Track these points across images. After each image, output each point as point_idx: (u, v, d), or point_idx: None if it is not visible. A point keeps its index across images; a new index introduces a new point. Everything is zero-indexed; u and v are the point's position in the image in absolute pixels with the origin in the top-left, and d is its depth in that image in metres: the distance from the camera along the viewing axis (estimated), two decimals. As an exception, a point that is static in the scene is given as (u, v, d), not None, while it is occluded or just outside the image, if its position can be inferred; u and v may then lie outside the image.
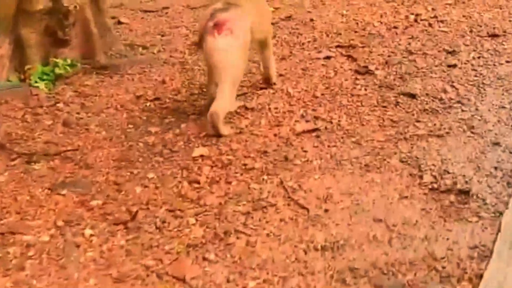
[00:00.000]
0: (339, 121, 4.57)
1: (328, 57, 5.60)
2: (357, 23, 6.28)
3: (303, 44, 5.84)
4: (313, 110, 4.72)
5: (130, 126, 4.67)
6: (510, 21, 6.25)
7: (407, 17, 6.38)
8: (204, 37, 4.44)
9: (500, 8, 6.52)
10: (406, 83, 5.07)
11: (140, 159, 4.25)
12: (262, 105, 4.83)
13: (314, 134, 4.43)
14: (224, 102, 4.41)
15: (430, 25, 6.21)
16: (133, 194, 3.90)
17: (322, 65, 5.44)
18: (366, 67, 5.35)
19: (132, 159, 4.26)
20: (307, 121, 4.58)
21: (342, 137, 4.38)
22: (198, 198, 3.84)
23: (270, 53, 5.05)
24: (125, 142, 4.45)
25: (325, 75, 5.27)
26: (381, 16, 6.45)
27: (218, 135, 4.42)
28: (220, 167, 4.11)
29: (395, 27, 6.14)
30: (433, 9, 6.55)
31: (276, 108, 4.77)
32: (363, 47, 5.71)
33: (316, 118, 4.62)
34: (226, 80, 4.42)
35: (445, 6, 6.60)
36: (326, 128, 4.49)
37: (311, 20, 6.36)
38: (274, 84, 5.12)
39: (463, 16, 6.34)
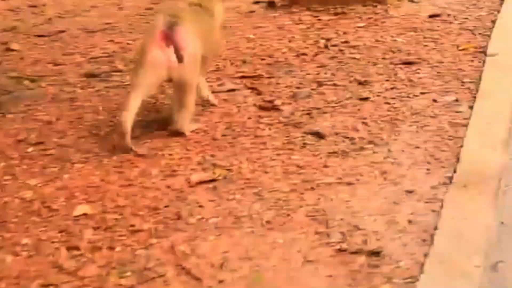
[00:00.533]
0: (240, 168, 4.16)
1: (231, 90, 5.16)
2: (264, 49, 5.86)
3: (205, 74, 5.39)
4: (212, 155, 4.31)
5: (7, 177, 4.19)
6: (425, 45, 5.88)
7: (316, 42, 6.02)
8: (152, 50, 4.31)
9: (415, 31, 6.19)
10: (314, 120, 4.69)
11: (14, 220, 3.76)
12: (156, 150, 4.36)
13: (211, 185, 4.01)
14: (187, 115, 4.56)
15: (341, 51, 5.86)
16: (2, 265, 3.38)
17: (224, 100, 5.02)
18: (272, 101, 4.96)
19: (6, 220, 3.75)
20: (204, 170, 4.13)
21: (243, 188, 3.96)
22: (76, 268, 3.39)
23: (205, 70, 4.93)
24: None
25: (227, 112, 4.84)
26: (290, 41, 6.07)
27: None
28: (104, 229, 3.66)
29: (304, 54, 5.76)
30: (344, 32, 6.20)
31: (170, 154, 4.34)
32: (269, 77, 5.32)
33: (215, 165, 4.20)
34: (186, 94, 4.51)
35: (356, 30, 6.26)
36: (225, 177, 4.08)
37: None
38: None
39: (376, 40, 6.00)
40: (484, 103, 4.91)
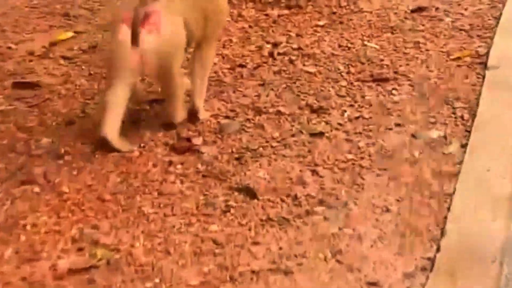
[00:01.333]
0: (131, 247, 3.44)
1: (134, 121, 4.41)
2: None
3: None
4: (94, 227, 3.57)
5: None
6: (405, 53, 5.20)
7: (260, 48, 5.31)
8: (122, 30, 4.21)
9: (392, 32, 5.54)
10: (245, 169, 4.02)
11: None
12: (15, 218, 3.61)
13: (87, 275, 3.28)
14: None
15: (291, 62, 5.18)
16: None
17: None
18: (189, 139, 4.21)
19: None
20: (80, 250, 3.40)
21: (133, 280, 3.24)
22: None
23: (207, 68, 4.74)
24: None
25: (124, 155, 4.09)
26: (224, 46, 5.32)
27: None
28: None
29: (241, 66, 5.05)
30: (298, 34, 5.52)
31: (35, 225, 3.59)
32: (189, 102, 4.55)
33: (96, 243, 3.49)
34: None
35: (314, 30, 5.58)
36: (108, 263, 3.33)
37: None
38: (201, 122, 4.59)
39: (340, 46, 5.32)
40: (482, 140, 4.21)
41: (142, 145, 4.32)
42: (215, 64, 5.11)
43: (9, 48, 5.61)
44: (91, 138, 4.24)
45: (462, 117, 4.53)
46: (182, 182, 3.98)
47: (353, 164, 4.10)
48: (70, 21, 5.94)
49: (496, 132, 4.32)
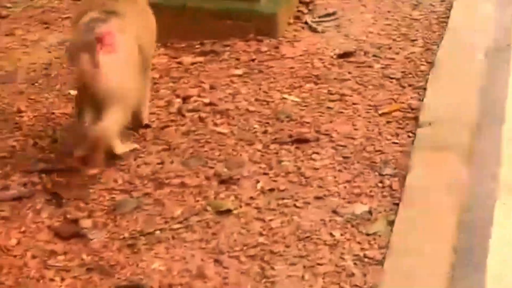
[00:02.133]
0: None
1: (17, 198, 3.80)
2: None
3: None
4: None
5: None
6: (328, 108, 4.68)
7: (169, 102, 4.73)
8: (80, 55, 4.06)
9: (316, 83, 5.02)
10: (138, 259, 3.59)
11: None
12: None
13: None
14: (113, 122, 4.13)
15: (201, 120, 4.66)
16: None
17: (1, 219, 3.65)
18: (76, 221, 3.64)
19: None
20: None
21: None
22: None
23: (149, 79, 4.69)
24: None
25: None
26: None
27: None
28: None
29: (147, 126, 4.41)
30: (211, 87, 4.96)
31: None
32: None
33: None
34: (113, 105, 4.12)
35: (230, 80, 5.04)
36: None
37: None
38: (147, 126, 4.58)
39: (257, 100, 4.80)
40: (411, 217, 3.65)
41: (23, 229, 3.66)
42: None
43: None
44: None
45: (390, 186, 4.00)
46: (62, 279, 3.45)
47: (263, 250, 3.56)
48: None
49: (426, 207, 3.76)
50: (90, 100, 4.17)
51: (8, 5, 6.22)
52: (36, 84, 5.12)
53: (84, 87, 4.18)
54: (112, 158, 4.24)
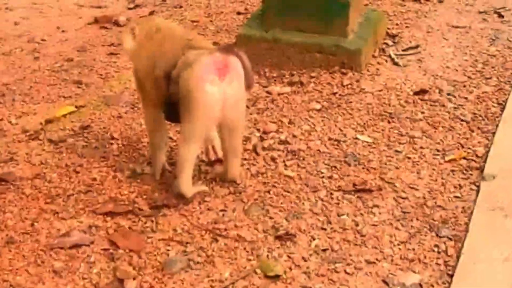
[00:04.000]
0: None
1: (77, 246, 2.85)
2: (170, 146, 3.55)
3: None
4: None
5: None
6: (396, 152, 3.58)
7: (247, 139, 3.63)
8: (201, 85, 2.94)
9: (389, 121, 3.88)
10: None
11: None
12: None
13: None
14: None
15: (273, 160, 3.78)
16: None
17: (52, 274, 2.71)
18: (121, 281, 2.61)
19: None
20: None
21: None
22: None
23: None
24: None
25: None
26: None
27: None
28: None
29: (221, 162, 3.34)
30: (290, 121, 3.95)
31: None
32: (148, 216, 3.02)
33: None
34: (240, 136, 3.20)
35: (309, 115, 4.09)
36: None
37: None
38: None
39: (330, 139, 3.69)
40: None
41: (75, 283, 2.65)
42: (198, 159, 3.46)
43: (10, 122, 4.00)
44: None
45: (445, 252, 2.82)
46: None
47: (304, 329, 2.41)
48: (79, 90, 4.32)
49: (484, 279, 2.59)
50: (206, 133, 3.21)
51: (138, 23, 5.15)
52: (135, 108, 4.06)
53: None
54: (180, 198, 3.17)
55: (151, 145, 3.45)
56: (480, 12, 5.16)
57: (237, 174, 3.26)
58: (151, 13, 5.41)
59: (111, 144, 3.78)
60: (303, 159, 3.60)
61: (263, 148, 3.69)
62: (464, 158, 3.56)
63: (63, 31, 5.30)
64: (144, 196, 3.30)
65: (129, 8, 5.62)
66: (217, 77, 2.95)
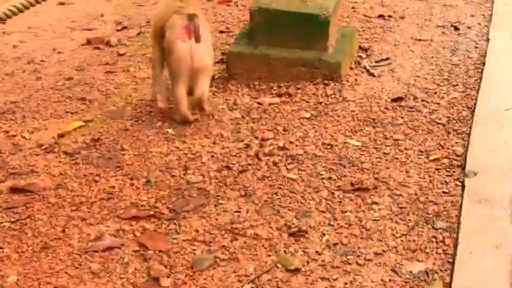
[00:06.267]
0: None
1: (109, 248, 2.82)
2: (179, 157, 3.54)
3: None
4: None
5: None
6: (384, 154, 3.57)
7: (248, 146, 3.62)
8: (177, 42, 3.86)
9: (374, 126, 3.92)
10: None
11: None
12: None
13: None
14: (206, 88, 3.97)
15: (275, 164, 3.58)
16: None
17: (92, 274, 2.68)
18: (157, 279, 2.60)
19: None
20: None
21: None
22: None
23: None
24: None
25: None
26: (214, 142, 3.73)
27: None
28: None
29: (227, 167, 3.41)
30: (284, 129, 3.88)
31: None
32: (170, 219, 2.98)
33: None
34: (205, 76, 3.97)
35: (301, 123, 4.02)
36: None
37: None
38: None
39: (323, 144, 3.66)
40: (465, 277, 2.54)
41: (109, 286, 2.62)
42: (203, 163, 3.44)
43: (24, 137, 3.93)
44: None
45: (443, 241, 2.84)
46: None
47: (329, 317, 2.43)
48: (84, 106, 4.27)
49: (479, 267, 2.65)
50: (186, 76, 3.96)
51: (128, 43, 5.12)
52: (140, 121, 4.03)
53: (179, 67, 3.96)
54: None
55: (153, 77, 4.28)
56: (439, 26, 5.24)
57: (205, 97, 4.01)
58: (138, 34, 5.38)
59: (123, 154, 3.75)
60: (302, 163, 3.61)
61: (264, 154, 3.69)
62: (446, 157, 3.59)
63: (59, 52, 5.23)
64: (163, 201, 3.28)
65: (117, 30, 5.57)
66: (186, 37, 3.86)
